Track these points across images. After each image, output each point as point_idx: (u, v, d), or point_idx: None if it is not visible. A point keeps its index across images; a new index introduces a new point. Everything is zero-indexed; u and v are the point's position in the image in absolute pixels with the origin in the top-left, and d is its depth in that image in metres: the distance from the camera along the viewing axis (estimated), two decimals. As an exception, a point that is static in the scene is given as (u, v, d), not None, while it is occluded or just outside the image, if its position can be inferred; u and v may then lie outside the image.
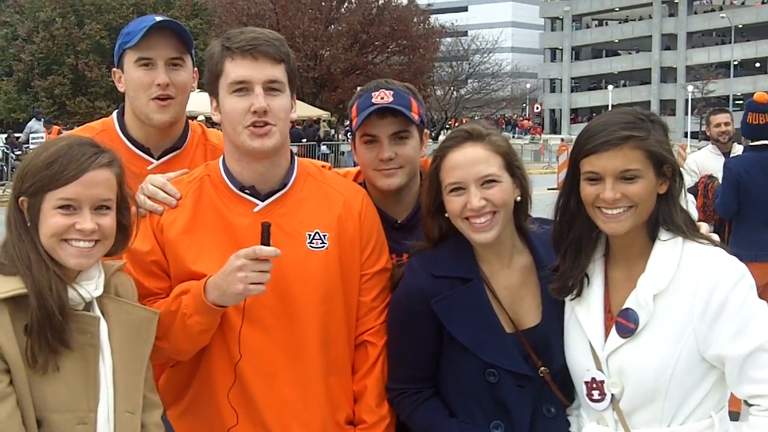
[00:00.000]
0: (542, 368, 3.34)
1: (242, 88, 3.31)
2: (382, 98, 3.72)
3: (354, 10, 48.12)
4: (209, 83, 3.44)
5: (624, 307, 3.13)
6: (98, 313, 2.97)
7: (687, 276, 3.04)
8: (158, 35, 3.83)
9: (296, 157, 3.63)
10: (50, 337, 2.76)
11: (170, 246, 3.40)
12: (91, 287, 2.94)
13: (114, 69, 4.05)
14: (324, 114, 43.88)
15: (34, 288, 2.77)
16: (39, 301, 2.76)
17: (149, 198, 3.48)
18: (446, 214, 3.41)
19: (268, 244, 3.10)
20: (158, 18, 3.88)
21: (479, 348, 3.31)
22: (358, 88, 3.99)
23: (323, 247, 3.45)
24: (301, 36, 44.74)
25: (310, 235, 3.44)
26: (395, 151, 3.72)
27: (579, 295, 3.26)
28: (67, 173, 2.86)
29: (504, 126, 63.86)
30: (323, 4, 47.74)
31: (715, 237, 3.24)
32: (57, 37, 48.13)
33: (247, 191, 3.44)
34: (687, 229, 3.12)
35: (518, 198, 3.40)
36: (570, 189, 3.22)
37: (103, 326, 2.95)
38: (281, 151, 3.45)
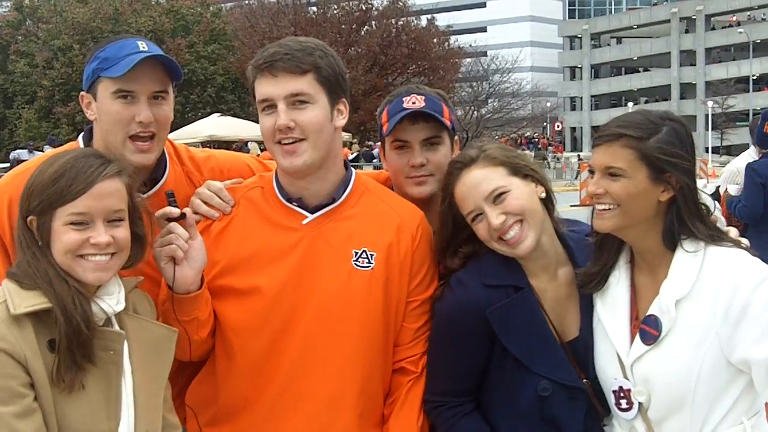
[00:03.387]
0: (585, 380, 3.31)
1: (268, 106, 3.25)
2: (414, 103, 3.64)
3: (373, 33, 48.29)
4: (256, 105, 3.38)
5: (648, 313, 3.09)
6: (120, 329, 2.92)
7: (708, 280, 2.98)
8: (144, 66, 3.38)
9: (353, 171, 3.53)
10: (77, 353, 2.70)
11: (215, 252, 3.34)
12: (112, 302, 2.88)
13: (82, 93, 3.56)
14: (345, 135, 44.14)
15: (58, 303, 2.71)
16: (65, 316, 2.70)
17: (205, 203, 3.44)
18: (461, 249, 3.40)
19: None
20: (142, 45, 3.44)
21: (532, 360, 3.25)
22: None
23: (369, 267, 3.34)
24: (322, 59, 44.98)
25: (356, 253, 3.34)
26: (426, 157, 3.66)
27: (598, 288, 3.27)
28: (75, 187, 2.78)
29: (526, 145, 63.75)
30: (343, 27, 47.98)
31: (745, 241, 3.19)
32: (75, 64, 47.95)
33: (295, 203, 3.37)
34: (709, 235, 3.06)
35: (543, 195, 3.36)
36: None
37: (125, 344, 2.91)
38: (325, 165, 3.35)
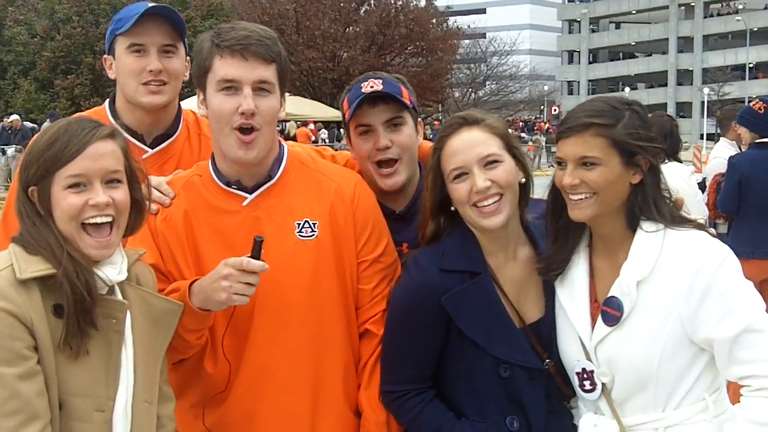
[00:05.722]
0: (548, 361, 3.31)
1: (230, 87, 3.23)
2: (372, 87, 3.64)
3: (372, 12, 48.07)
4: (197, 77, 3.38)
5: (609, 295, 3.11)
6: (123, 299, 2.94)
7: (669, 261, 3.01)
8: (151, 22, 3.74)
9: (285, 146, 3.56)
10: (81, 320, 2.73)
11: (165, 247, 3.37)
12: (114, 272, 2.88)
13: (105, 56, 3.94)
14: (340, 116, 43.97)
15: (62, 270, 2.74)
16: (69, 283, 2.72)
17: None
18: (451, 208, 3.35)
19: (259, 259, 3.04)
20: (151, 4, 3.76)
21: (490, 343, 3.25)
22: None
23: (312, 236, 3.38)
24: (321, 37, 44.79)
25: (299, 225, 3.37)
26: (391, 138, 3.66)
27: (559, 274, 3.29)
28: (69, 149, 2.80)
29: (523, 128, 63.71)
30: (342, 5, 47.80)
31: (711, 231, 3.19)
32: (74, 36, 47.68)
33: (234, 186, 3.39)
34: (670, 218, 3.09)
35: (522, 180, 3.34)
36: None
37: (127, 314, 2.92)
38: (268, 151, 3.37)
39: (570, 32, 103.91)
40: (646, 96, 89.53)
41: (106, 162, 2.85)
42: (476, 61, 65.40)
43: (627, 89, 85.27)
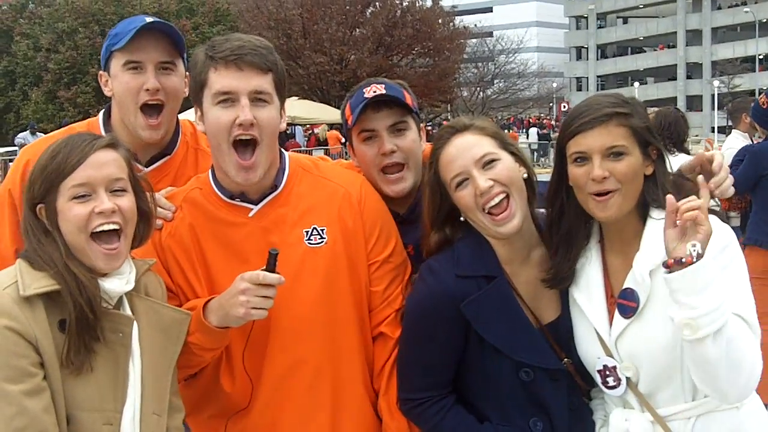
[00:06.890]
0: (566, 359, 3.30)
1: (227, 99, 3.17)
2: (375, 92, 3.59)
3: (378, 13, 48.12)
4: (193, 92, 3.32)
5: (624, 287, 3.10)
6: (130, 312, 2.95)
7: None
8: (148, 37, 3.59)
9: (286, 154, 3.51)
10: (84, 336, 2.74)
11: (173, 261, 3.33)
12: (121, 282, 2.90)
13: (101, 72, 3.80)
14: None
15: (66, 287, 2.75)
16: (73, 299, 2.74)
17: None
18: (460, 218, 3.34)
19: (274, 271, 3.02)
20: (148, 19, 3.63)
21: (511, 348, 3.23)
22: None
23: (322, 242, 3.34)
24: (328, 40, 44.89)
25: (307, 232, 3.34)
26: (395, 143, 3.61)
27: (569, 282, 3.26)
28: (72, 159, 2.82)
29: (532, 125, 63.55)
30: (348, 8, 47.89)
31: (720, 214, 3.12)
32: (81, 47, 47.95)
33: (238, 198, 3.34)
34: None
35: (525, 175, 3.32)
36: (558, 178, 3.21)
37: (135, 327, 2.93)
38: (270, 164, 3.32)
39: (577, 28, 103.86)
40: (655, 90, 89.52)
41: (108, 170, 2.88)
42: (484, 60, 65.50)
43: (636, 84, 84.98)
